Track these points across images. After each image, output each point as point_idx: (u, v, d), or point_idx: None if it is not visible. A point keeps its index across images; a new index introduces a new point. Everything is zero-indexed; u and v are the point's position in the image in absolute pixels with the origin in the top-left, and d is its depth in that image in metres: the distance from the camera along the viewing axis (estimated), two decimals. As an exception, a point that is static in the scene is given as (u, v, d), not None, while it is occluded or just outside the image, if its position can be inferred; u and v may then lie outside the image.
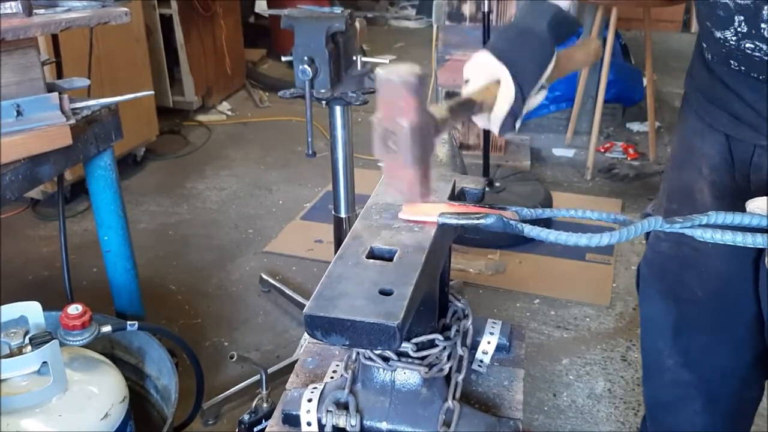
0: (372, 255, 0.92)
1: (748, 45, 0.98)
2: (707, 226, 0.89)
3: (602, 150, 4.03)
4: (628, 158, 3.98)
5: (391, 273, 0.87)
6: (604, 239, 0.87)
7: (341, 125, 1.92)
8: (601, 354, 2.45)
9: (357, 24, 1.89)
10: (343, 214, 2.07)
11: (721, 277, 1.31)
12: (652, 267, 1.45)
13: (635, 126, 4.38)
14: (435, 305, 1.05)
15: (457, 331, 1.08)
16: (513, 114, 0.96)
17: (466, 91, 0.99)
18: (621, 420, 2.18)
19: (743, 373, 1.42)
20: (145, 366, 1.85)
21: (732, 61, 1.05)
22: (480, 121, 1.00)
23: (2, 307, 1.52)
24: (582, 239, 0.87)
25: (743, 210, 1.06)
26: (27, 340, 1.48)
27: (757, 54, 0.98)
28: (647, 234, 1.42)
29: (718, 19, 1.03)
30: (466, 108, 0.96)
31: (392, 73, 0.82)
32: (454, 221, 0.96)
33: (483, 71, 0.98)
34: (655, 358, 1.50)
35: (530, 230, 0.90)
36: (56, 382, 1.45)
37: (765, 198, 0.88)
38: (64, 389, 1.48)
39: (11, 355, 1.45)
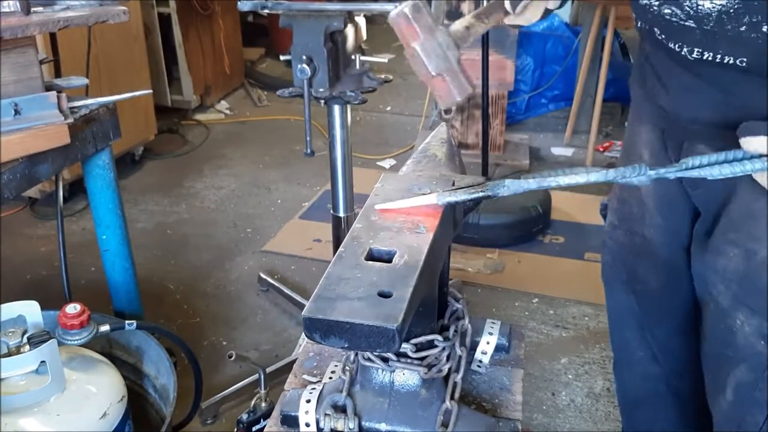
0: (371, 256, 0.91)
1: (666, 11, 1.03)
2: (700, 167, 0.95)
3: (601, 149, 4.03)
4: (627, 157, 3.98)
5: (390, 275, 0.87)
6: (592, 176, 0.99)
7: (340, 124, 1.92)
8: (599, 353, 2.45)
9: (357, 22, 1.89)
10: (341, 214, 2.07)
11: (667, 265, 1.32)
12: (612, 256, 1.45)
13: (634, 125, 4.38)
14: (434, 306, 1.05)
15: (456, 331, 1.08)
16: None
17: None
18: (620, 419, 2.17)
19: None
20: (143, 365, 1.85)
21: (656, 29, 1.09)
22: (510, 19, 1.10)
23: (0, 306, 1.52)
24: (576, 178, 0.98)
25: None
26: (25, 340, 1.48)
27: (675, 20, 1.02)
28: (604, 217, 1.45)
29: None
30: (493, 10, 1.09)
31: (393, 12, 1.01)
32: (452, 198, 1.02)
33: None
34: (625, 351, 1.50)
35: (530, 183, 0.98)
36: (54, 382, 1.45)
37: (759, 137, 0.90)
38: (63, 388, 1.48)
39: (9, 354, 1.45)
